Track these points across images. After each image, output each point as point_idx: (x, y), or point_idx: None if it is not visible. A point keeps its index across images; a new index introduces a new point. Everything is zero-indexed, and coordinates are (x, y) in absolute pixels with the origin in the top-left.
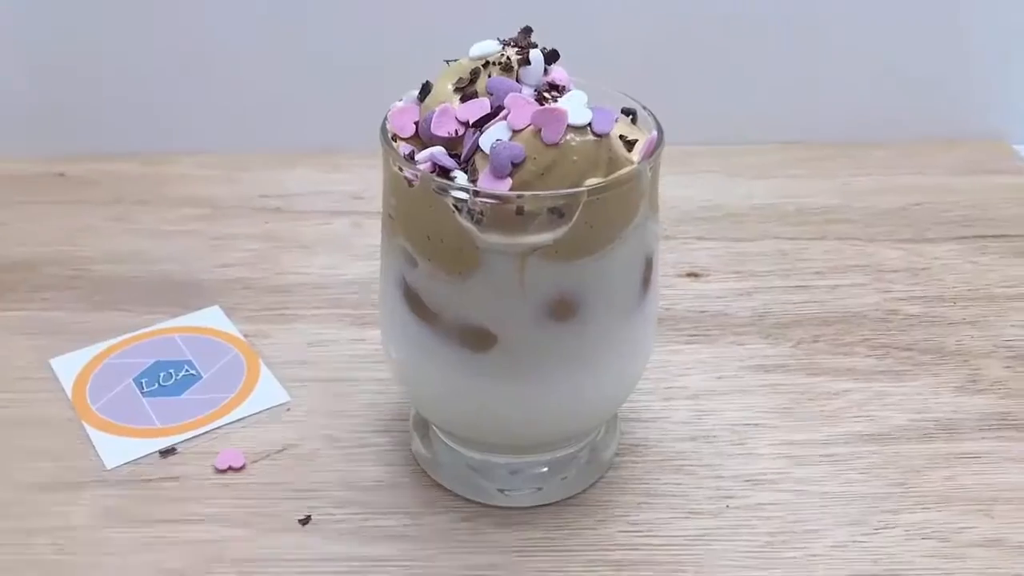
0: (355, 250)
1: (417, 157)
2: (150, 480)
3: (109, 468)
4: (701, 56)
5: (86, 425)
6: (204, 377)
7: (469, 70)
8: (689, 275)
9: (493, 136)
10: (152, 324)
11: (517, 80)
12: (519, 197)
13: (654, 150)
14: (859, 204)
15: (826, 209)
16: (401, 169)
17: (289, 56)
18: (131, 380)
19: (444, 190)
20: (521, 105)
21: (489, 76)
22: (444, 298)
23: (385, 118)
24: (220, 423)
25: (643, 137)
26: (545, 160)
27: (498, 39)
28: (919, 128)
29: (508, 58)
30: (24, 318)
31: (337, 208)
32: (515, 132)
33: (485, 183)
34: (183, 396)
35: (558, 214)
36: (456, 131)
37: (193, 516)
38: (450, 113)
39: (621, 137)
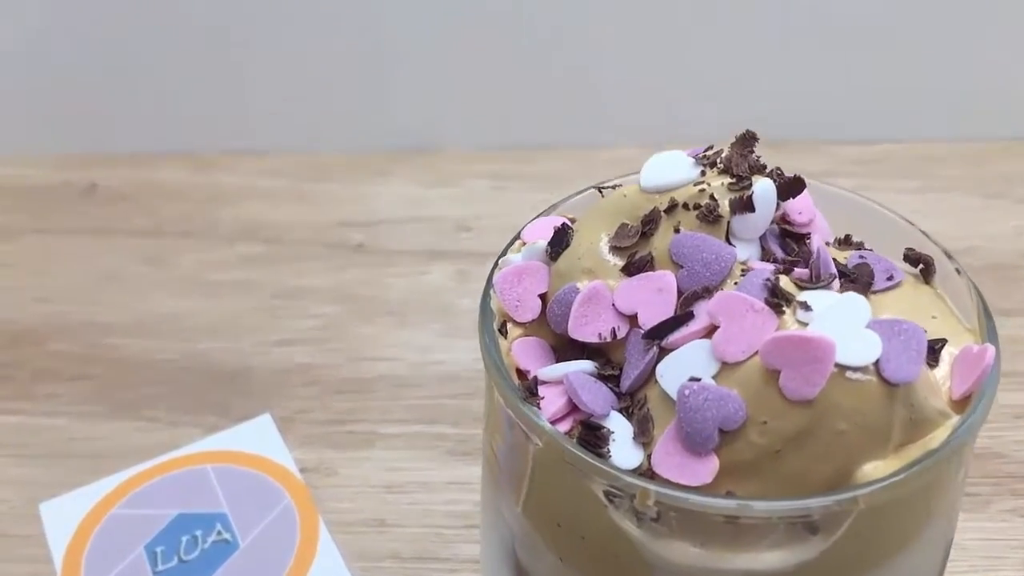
0: (457, 318)
1: (541, 376)
2: None
3: None
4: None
5: None
6: (241, 546)
7: (641, 213)
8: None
9: (685, 365)
10: (180, 444)
11: (728, 237)
12: (733, 502)
13: (984, 382)
14: None
15: None
16: (514, 413)
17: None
18: (142, 548)
19: (589, 474)
20: (740, 312)
21: (676, 229)
22: None
23: (488, 283)
24: None
25: (952, 329)
26: (787, 426)
27: (691, 155)
28: None
29: (712, 197)
30: (16, 426)
31: (436, 247)
32: (726, 365)
33: (668, 463)
34: None
35: (809, 530)
36: (614, 331)
37: None
38: (604, 298)
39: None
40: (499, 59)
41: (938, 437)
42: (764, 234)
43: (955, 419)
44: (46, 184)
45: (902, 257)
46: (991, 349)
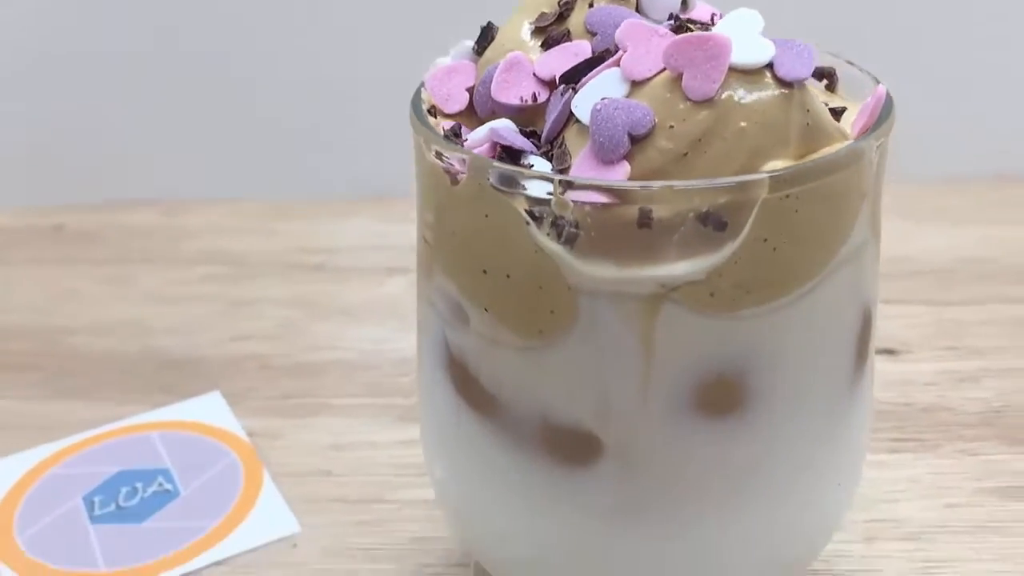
0: (411, 319)
1: (467, 136)
2: None
3: None
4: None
5: (0, 566)
6: (182, 494)
7: (558, 0)
8: (880, 352)
9: (597, 92)
10: (127, 417)
11: (637, 10)
12: (645, 192)
13: (880, 117)
14: None
15: None
16: (440, 156)
17: (340, 85)
18: (80, 499)
19: (511, 183)
20: (646, 37)
21: (591, 4)
22: (512, 375)
23: (421, 86)
24: (191, 567)
25: (853, 106)
26: (691, 128)
27: None
28: None
29: None
30: None
31: (396, 264)
32: (636, 84)
33: (584, 169)
34: (146, 523)
35: (715, 225)
36: (534, 95)
37: None
38: (523, 67)
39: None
40: None
41: (839, 145)
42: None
43: (856, 141)
44: (12, 227)
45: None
46: (883, 87)
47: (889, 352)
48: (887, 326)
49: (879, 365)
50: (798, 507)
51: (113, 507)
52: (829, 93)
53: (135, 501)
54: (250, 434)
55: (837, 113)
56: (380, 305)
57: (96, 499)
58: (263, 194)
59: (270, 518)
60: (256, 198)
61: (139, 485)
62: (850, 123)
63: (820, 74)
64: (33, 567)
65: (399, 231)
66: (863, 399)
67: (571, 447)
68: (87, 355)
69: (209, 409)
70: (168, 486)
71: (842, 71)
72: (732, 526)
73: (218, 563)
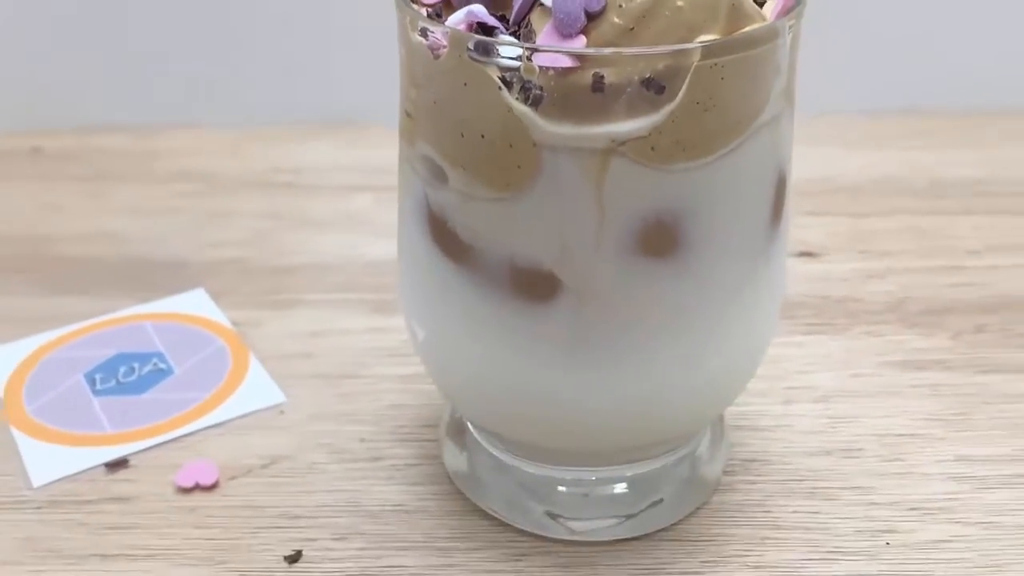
0: (379, 228)
1: (448, 20)
2: (88, 501)
3: (36, 486)
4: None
5: (13, 430)
6: (176, 372)
7: None
8: (803, 255)
9: None
10: (118, 310)
11: None
12: (598, 60)
13: (794, 5)
14: (1009, 175)
15: (971, 182)
16: (423, 34)
17: (307, 14)
18: (81, 376)
19: (487, 52)
20: None
21: None
22: (485, 225)
23: None
24: (190, 428)
25: None
26: (635, 7)
27: None
28: None
29: None
30: None
31: (359, 183)
32: None
33: (547, 42)
34: (145, 395)
35: (656, 88)
36: None
37: (143, 550)
38: None
39: None
40: None
41: (758, 25)
42: None
43: (772, 21)
44: None
45: None
46: None
47: (810, 255)
48: (810, 234)
49: (802, 266)
50: (723, 340)
51: (113, 383)
52: None
53: (133, 378)
54: (234, 324)
55: (759, 2)
56: (347, 217)
57: (97, 376)
58: (232, 120)
59: (258, 390)
60: (226, 124)
61: (136, 365)
62: (770, 10)
63: None
64: (45, 431)
65: (361, 155)
66: (779, 252)
67: (534, 286)
68: (74, 260)
69: (195, 303)
70: (163, 366)
71: None
72: (667, 354)
73: (214, 426)
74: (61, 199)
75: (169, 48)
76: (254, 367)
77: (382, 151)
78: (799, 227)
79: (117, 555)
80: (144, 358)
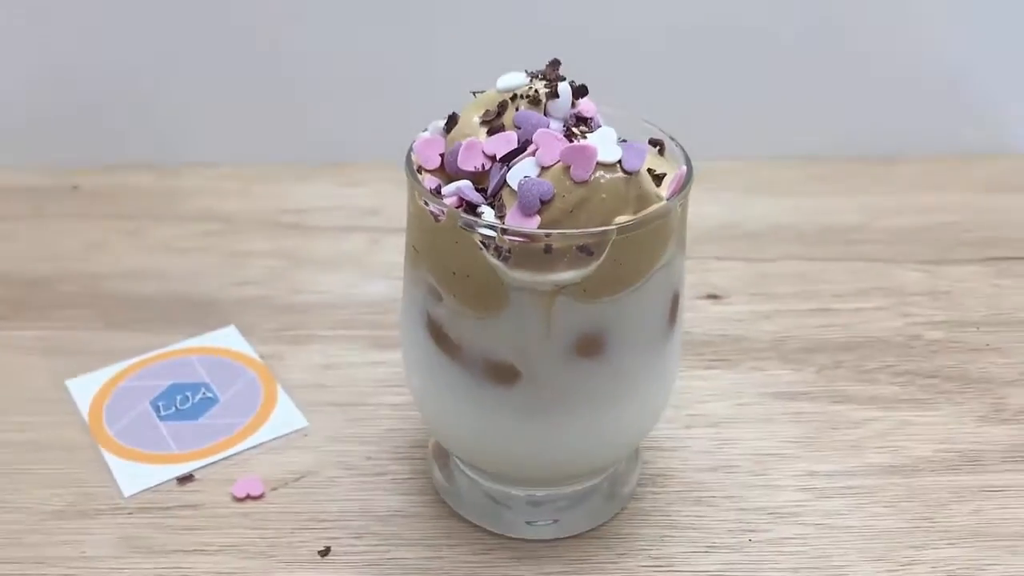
0: (372, 268)
1: (443, 191)
2: (168, 508)
3: (127, 496)
4: (719, 70)
5: (103, 450)
6: (221, 400)
7: (496, 103)
8: (709, 297)
9: (521, 172)
10: (168, 344)
11: (545, 113)
12: (547, 235)
13: (683, 186)
14: (881, 223)
15: (848, 228)
16: (427, 204)
17: (308, 67)
18: (148, 403)
19: (471, 227)
20: (550, 141)
21: (517, 109)
22: (469, 333)
23: (410, 149)
24: (238, 448)
25: (671, 170)
26: (574, 198)
27: (526, 71)
28: (942, 142)
29: (536, 91)
30: (40, 338)
31: (353, 224)
32: (544, 169)
33: (513, 220)
34: (200, 420)
35: (587, 252)
36: (483, 165)
37: (210, 546)
38: (477, 147)
39: (649, 171)
40: (401, 83)
41: (656, 206)
42: (565, 118)
43: (666, 202)
44: (34, 186)
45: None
46: (684, 168)
47: (715, 297)
48: (716, 277)
49: (710, 308)
50: (635, 406)
51: (173, 410)
52: (659, 157)
53: (188, 405)
54: (262, 357)
55: (659, 177)
56: (343, 258)
57: (160, 404)
58: (238, 159)
59: (286, 416)
60: (231, 161)
61: (188, 394)
62: (667, 185)
63: (654, 143)
64: (127, 451)
65: (352, 194)
66: (675, 341)
67: (502, 374)
68: (126, 296)
69: (229, 339)
70: (210, 395)
71: (668, 143)
72: (595, 420)
73: (255, 447)
74: (103, 237)
75: (187, 91)
76: (281, 396)
77: (369, 191)
78: (708, 271)
79: (193, 551)
80: (195, 388)
